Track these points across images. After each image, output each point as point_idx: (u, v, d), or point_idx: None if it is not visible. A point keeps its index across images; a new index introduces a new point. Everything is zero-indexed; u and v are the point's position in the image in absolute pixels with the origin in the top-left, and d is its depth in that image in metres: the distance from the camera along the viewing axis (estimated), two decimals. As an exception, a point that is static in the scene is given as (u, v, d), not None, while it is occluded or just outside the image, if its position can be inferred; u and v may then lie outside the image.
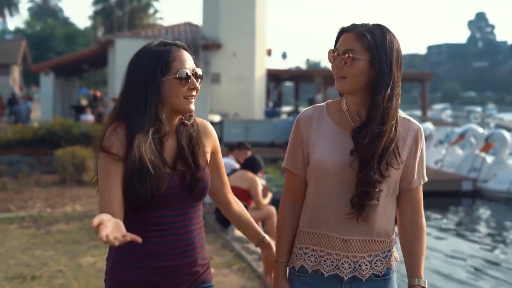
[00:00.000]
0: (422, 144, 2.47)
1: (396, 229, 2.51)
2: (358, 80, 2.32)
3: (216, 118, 23.70)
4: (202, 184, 2.40)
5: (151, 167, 2.24)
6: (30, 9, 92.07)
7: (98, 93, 35.06)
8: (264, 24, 26.71)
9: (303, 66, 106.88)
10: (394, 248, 2.50)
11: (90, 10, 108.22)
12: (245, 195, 7.84)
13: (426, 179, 2.52)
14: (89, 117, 22.91)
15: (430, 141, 20.75)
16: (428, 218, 14.44)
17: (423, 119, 28.31)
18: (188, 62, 2.37)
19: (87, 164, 12.68)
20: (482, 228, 13.57)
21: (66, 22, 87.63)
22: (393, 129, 2.33)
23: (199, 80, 2.39)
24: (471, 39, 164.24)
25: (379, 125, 2.29)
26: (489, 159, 18.04)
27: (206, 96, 22.69)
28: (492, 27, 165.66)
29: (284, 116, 29.65)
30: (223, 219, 7.33)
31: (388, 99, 2.29)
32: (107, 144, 2.28)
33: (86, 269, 6.53)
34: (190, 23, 28.77)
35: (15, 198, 10.85)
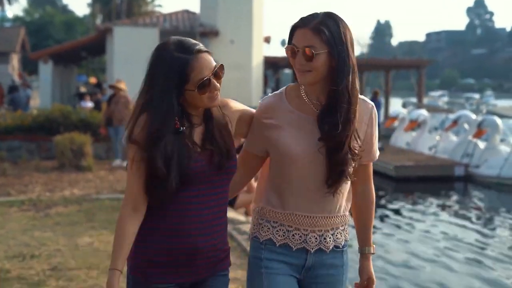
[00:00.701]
0: (377, 121, 2.63)
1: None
2: (321, 72, 2.44)
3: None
4: (230, 162, 2.51)
5: (176, 154, 2.35)
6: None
7: (94, 80, 35.27)
8: (262, 11, 26.84)
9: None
10: (348, 219, 2.72)
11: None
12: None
13: (377, 156, 2.69)
14: (88, 104, 23.17)
15: (424, 128, 21.05)
16: (420, 202, 14.74)
17: (418, 106, 28.54)
18: (207, 67, 2.40)
19: (85, 150, 12.96)
20: (471, 212, 13.83)
21: (64, 9, 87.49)
22: (356, 112, 2.48)
23: (222, 73, 2.46)
24: (470, 26, 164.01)
25: (347, 112, 2.43)
26: (482, 145, 18.28)
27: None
28: (491, 14, 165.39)
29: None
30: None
31: (352, 85, 2.43)
32: (135, 135, 2.38)
33: (83, 248, 6.82)
34: (188, 11, 28.93)
35: (15, 183, 11.13)
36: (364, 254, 2.76)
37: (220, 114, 2.54)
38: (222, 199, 2.54)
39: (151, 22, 26.43)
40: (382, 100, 20.15)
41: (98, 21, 55.57)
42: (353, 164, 2.52)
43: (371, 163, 2.72)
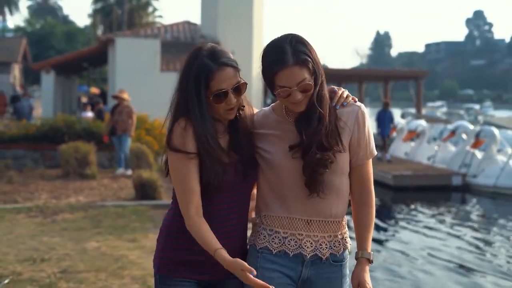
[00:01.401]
0: (364, 121, 2.63)
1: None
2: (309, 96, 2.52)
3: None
4: (254, 171, 2.65)
5: (216, 159, 2.51)
6: (30, 7, 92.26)
7: (96, 90, 35.55)
8: (262, 22, 27.11)
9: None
10: (346, 229, 2.72)
11: (89, 8, 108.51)
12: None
13: (375, 153, 2.70)
14: (88, 114, 23.42)
15: (423, 138, 21.30)
16: (418, 211, 14.94)
17: (417, 116, 28.78)
18: (227, 81, 2.52)
19: (89, 159, 13.22)
20: (468, 221, 14.02)
21: (65, 20, 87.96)
22: (327, 114, 2.53)
23: (243, 90, 2.58)
24: (469, 37, 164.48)
25: (319, 117, 2.51)
26: (479, 154, 18.50)
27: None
28: (490, 25, 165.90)
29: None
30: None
31: (320, 88, 2.52)
32: (180, 143, 2.52)
33: (91, 252, 7.06)
34: (189, 22, 29.18)
35: (21, 190, 11.38)
36: (358, 258, 2.64)
37: (246, 124, 2.66)
38: (245, 204, 2.70)
39: (152, 33, 26.72)
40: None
41: (99, 31, 55.88)
42: (327, 167, 2.53)
43: (367, 165, 2.68)
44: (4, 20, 78.15)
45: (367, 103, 33.67)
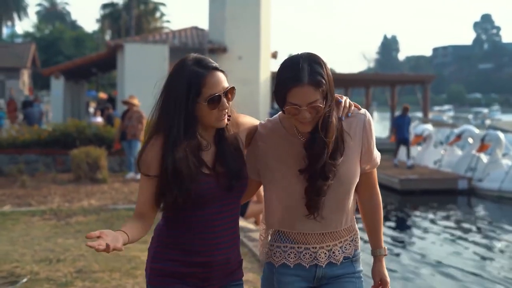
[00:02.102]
0: (371, 129, 2.66)
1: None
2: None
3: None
4: (240, 182, 2.60)
5: (185, 173, 2.44)
6: (38, 13, 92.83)
7: (104, 95, 35.85)
8: (269, 27, 27.29)
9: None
10: (356, 229, 2.78)
11: (97, 13, 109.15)
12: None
13: (378, 161, 2.76)
14: (98, 119, 23.74)
15: (430, 142, 21.47)
16: (423, 215, 15.12)
17: (424, 121, 28.92)
18: (219, 85, 2.49)
19: (100, 163, 13.49)
20: (473, 224, 14.16)
21: (73, 25, 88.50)
22: (332, 140, 2.52)
23: (232, 95, 2.54)
24: (477, 41, 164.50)
25: (323, 139, 2.50)
26: (485, 158, 18.66)
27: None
28: (498, 29, 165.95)
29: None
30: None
31: (328, 113, 2.51)
32: (143, 163, 2.51)
33: (105, 253, 7.23)
34: (196, 27, 29.40)
35: (35, 194, 11.64)
36: (376, 256, 2.83)
37: (233, 134, 2.63)
38: (234, 215, 2.67)
39: (160, 39, 26.94)
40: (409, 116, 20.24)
41: (107, 37, 56.25)
42: (325, 194, 2.57)
43: (375, 171, 2.79)
44: (13, 25, 78.77)
45: (374, 107, 33.72)
